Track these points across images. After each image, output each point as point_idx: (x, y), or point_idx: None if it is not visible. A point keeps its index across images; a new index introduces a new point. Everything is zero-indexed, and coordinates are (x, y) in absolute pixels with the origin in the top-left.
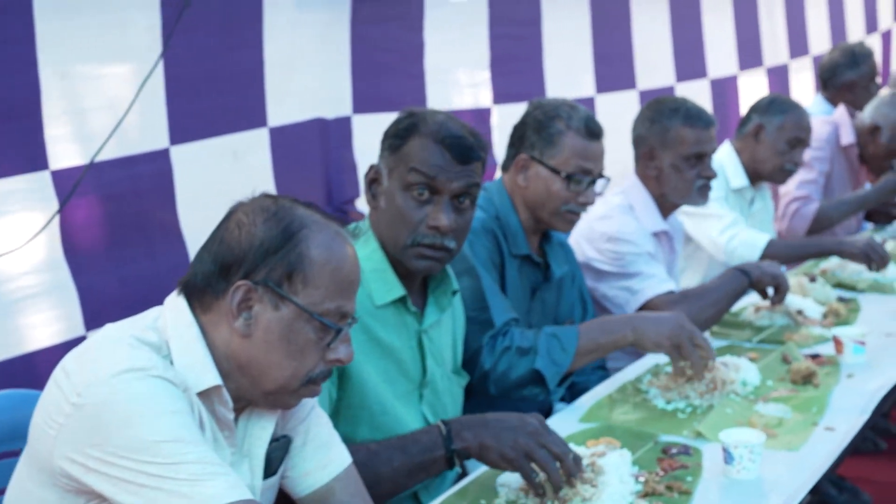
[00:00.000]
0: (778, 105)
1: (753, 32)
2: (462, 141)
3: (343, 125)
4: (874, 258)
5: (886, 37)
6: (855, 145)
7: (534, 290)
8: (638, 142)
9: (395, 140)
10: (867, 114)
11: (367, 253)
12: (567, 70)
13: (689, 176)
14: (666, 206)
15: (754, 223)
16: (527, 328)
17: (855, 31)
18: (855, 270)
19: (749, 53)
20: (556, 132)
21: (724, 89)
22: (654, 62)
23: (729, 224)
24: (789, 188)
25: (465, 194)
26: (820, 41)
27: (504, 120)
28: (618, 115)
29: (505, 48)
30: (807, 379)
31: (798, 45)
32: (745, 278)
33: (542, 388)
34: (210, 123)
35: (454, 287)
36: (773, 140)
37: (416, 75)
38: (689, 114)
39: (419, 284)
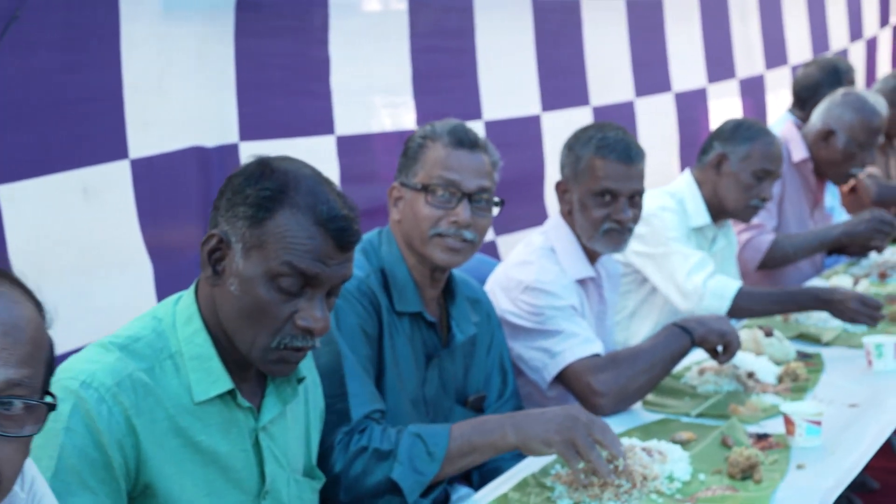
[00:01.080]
0: (743, 132)
1: (724, 41)
2: (346, 223)
3: (227, 154)
4: (865, 314)
5: (872, 44)
6: (808, 160)
7: (429, 356)
8: (561, 172)
9: (255, 210)
10: (817, 118)
11: (188, 335)
12: (508, 87)
13: (595, 216)
14: (590, 249)
15: (715, 265)
16: (412, 411)
17: (838, 39)
18: (820, 318)
19: (719, 64)
20: (417, 147)
21: (692, 104)
22: (609, 76)
23: (695, 266)
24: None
25: (339, 286)
26: (800, 50)
27: None
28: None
29: (431, 63)
30: (746, 473)
31: (775, 54)
32: (687, 337)
33: (401, 498)
34: (49, 157)
35: (299, 374)
36: (738, 172)
37: (320, 95)
38: (605, 143)
39: (255, 371)
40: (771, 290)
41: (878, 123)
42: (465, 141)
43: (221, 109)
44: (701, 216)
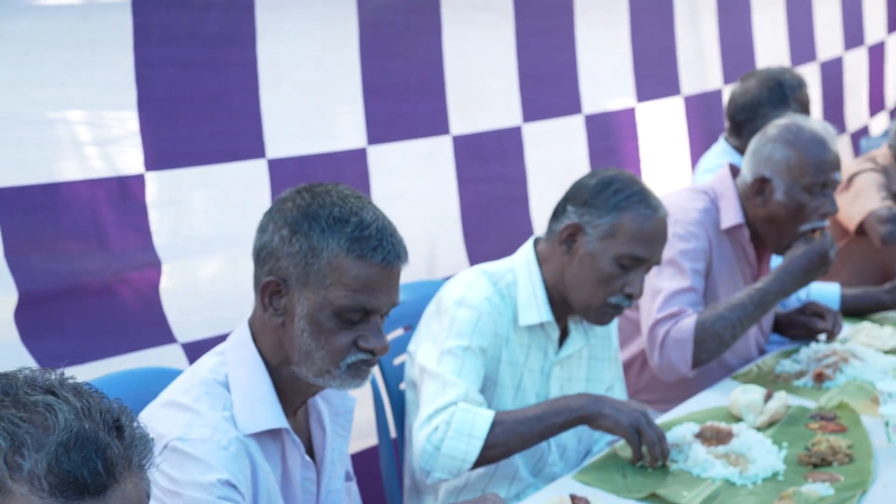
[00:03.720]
0: (610, 194)
1: (668, 51)
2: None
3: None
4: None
5: (877, 51)
6: (742, 226)
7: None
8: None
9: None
10: (745, 166)
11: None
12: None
13: (336, 344)
14: None
15: (568, 376)
16: None
17: (828, 46)
18: None
19: (654, 81)
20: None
21: (609, 123)
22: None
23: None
24: (647, 306)
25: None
26: (778, 61)
27: None
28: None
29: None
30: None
31: (738, 63)
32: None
33: None
34: None
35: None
36: (596, 253)
37: None
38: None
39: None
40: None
41: (826, 155)
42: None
43: None
44: (534, 310)
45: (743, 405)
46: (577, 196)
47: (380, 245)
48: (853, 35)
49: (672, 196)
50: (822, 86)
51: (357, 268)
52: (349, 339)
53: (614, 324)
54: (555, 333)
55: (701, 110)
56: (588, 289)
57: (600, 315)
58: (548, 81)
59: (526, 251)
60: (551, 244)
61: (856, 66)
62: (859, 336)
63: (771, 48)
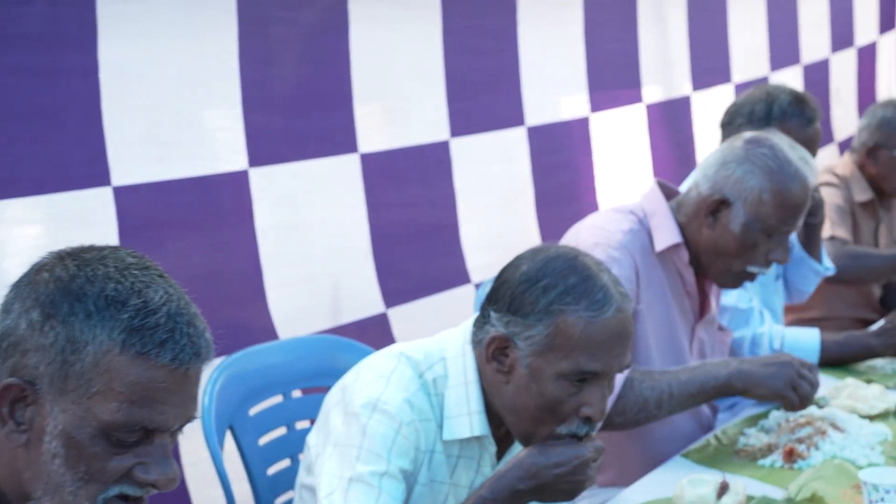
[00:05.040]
0: (538, 294)
1: (628, 54)
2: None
3: None
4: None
5: (867, 53)
6: (682, 246)
7: None
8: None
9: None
10: (702, 178)
11: None
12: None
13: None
14: None
15: None
16: None
17: (814, 48)
18: None
19: (612, 88)
20: None
21: (558, 135)
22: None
23: None
24: None
25: None
26: (756, 65)
27: None
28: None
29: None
30: None
31: (710, 67)
32: None
33: None
34: None
35: None
36: (533, 374)
37: None
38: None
39: None
40: None
41: (804, 200)
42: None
43: None
44: (465, 420)
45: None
46: (500, 295)
47: (170, 338)
48: (842, 36)
49: (594, 217)
50: (806, 91)
51: (136, 370)
52: (121, 466)
53: None
54: (492, 447)
55: (666, 120)
56: (529, 416)
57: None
58: (483, 89)
59: (463, 336)
60: (480, 355)
61: (844, 69)
62: (841, 396)
63: (748, 51)
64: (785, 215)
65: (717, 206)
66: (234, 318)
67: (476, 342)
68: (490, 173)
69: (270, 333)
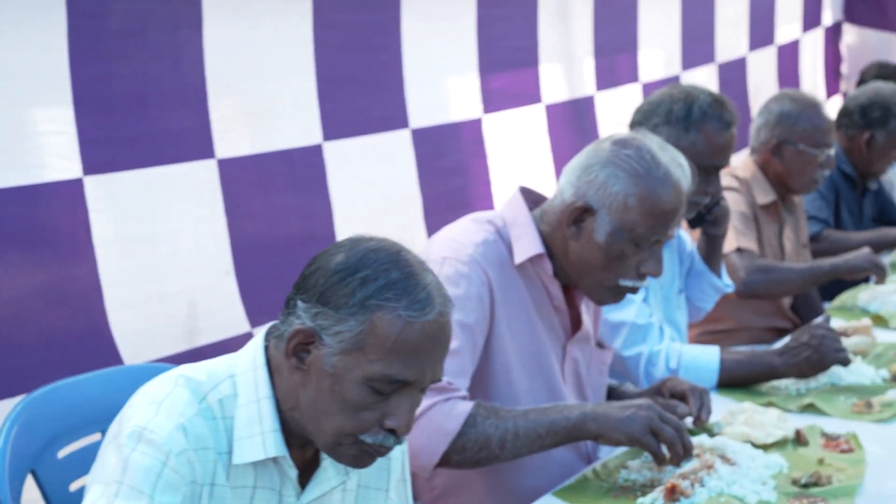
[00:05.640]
0: (355, 286)
1: (526, 51)
2: None
3: None
4: None
5: (789, 51)
6: (544, 256)
7: None
8: None
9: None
10: (567, 183)
11: None
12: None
13: None
14: None
15: None
16: None
17: (730, 47)
18: None
19: (508, 86)
20: None
21: (447, 137)
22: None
23: None
24: None
25: None
26: (666, 63)
27: None
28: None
29: None
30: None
31: (616, 66)
32: None
33: None
34: None
35: None
36: None
37: None
38: None
39: None
40: None
41: (676, 206)
42: None
43: None
44: (258, 440)
45: None
46: (311, 284)
47: None
48: (761, 34)
49: (450, 228)
50: (721, 90)
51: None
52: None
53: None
54: (292, 471)
55: (569, 120)
56: (330, 423)
57: (353, 461)
58: (360, 89)
59: (254, 348)
60: (277, 353)
61: (763, 68)
62: (736, 422)
63: (658, 49)
64: (653, 223)
65: (580, 214)
66: (70, 343)
67: (276, 336)
68: (371, 179)
69: (113, 358)
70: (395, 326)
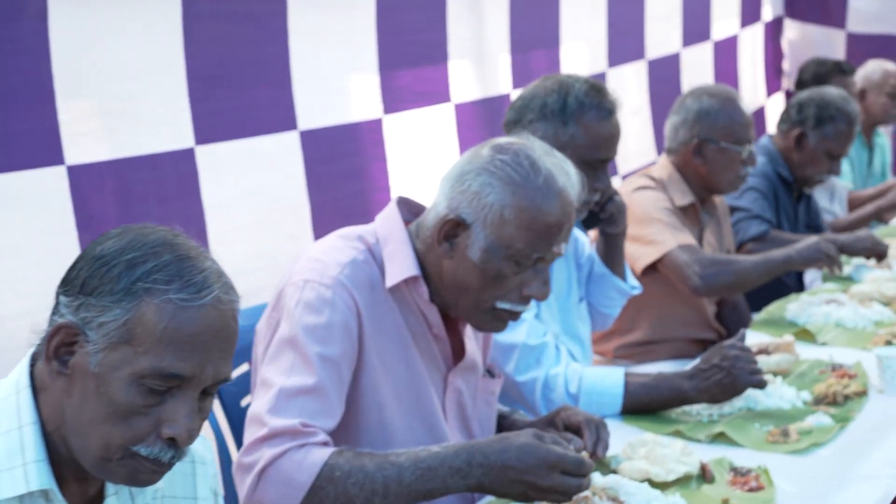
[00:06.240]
0: (119, 271)
1: (435, 46)
2: None
3: None
4: None
5: (726, 46)
6: (420, 280)
7: None
8: None
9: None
10: (442, 195)
11: None
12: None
13: None
14: None
15: None
16: None
17: (662, 43)
18: None
19: (411, 85)
20: None
21: (341, 139)
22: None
23: None
24: (253, 406)
25: None
26: (591, 60)
27: None
28: None
29: None
30: None
31: (534, 64)
32: None
33: None
34: None
35: None
36: None
37: None
38: None
39: None
40: None
41: (559, 219)
42: None
43: None
44: (19, 472)
45: None
46: (74, 275)
47: None
48: (696, 29)
49: (317, 246)
50: (651, 87)
51: None
52: None
53: (209, 451)
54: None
55: (481, 121)
56: (96, 434)
57: (129, 479)
58: (240, 87)
59: (18, 370)
60: (43, 360)
61: (698, 65)
62: (636, 457)
63: (582, 43)
64: (534, 238)
65: (452, 229)
66: None
67: (43, 342)
68: (252, 186)
69: None
70: (166, 312)
